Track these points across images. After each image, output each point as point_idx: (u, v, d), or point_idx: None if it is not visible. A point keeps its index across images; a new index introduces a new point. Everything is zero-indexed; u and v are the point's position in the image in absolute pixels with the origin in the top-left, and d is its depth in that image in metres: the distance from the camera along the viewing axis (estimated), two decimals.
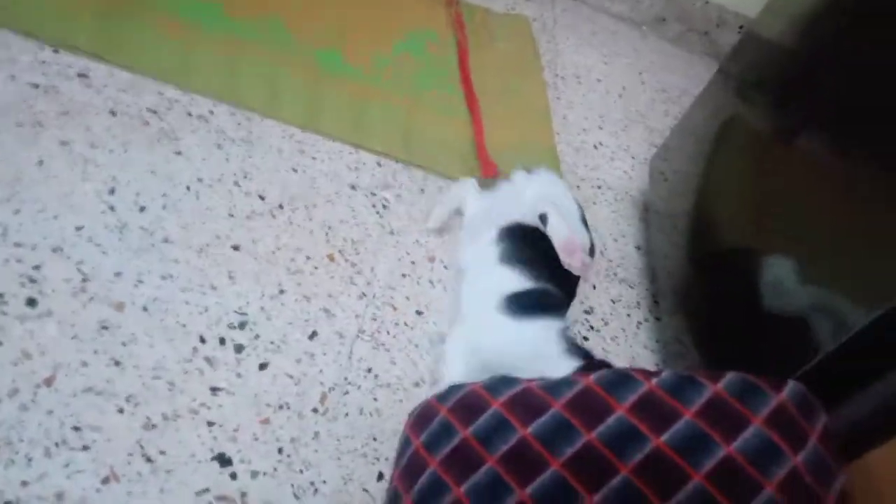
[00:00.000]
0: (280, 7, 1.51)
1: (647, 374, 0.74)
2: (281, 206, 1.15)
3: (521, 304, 1.02)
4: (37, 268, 0.93)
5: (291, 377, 0.95)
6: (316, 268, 1.09)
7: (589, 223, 1.19)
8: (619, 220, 1.45)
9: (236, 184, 1.15)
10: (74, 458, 0.79)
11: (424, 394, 1.00)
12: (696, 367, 1.09)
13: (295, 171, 1.22)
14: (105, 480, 0.79)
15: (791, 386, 0.73)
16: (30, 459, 0.77)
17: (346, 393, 0.97)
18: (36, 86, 1.13)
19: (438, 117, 1.44)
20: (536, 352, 0.97)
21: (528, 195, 1.17)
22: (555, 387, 0.74)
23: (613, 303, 1.28)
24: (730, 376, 0.73)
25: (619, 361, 1.17)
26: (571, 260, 1.06)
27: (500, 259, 1.08)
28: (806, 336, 0.86)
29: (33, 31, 1.21)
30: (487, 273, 1.08)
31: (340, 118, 1.34)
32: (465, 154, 1.39)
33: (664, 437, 0.68)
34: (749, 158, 1.16)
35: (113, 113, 1.15)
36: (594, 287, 1.28)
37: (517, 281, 1.05)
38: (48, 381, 0.83)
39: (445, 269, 1.20)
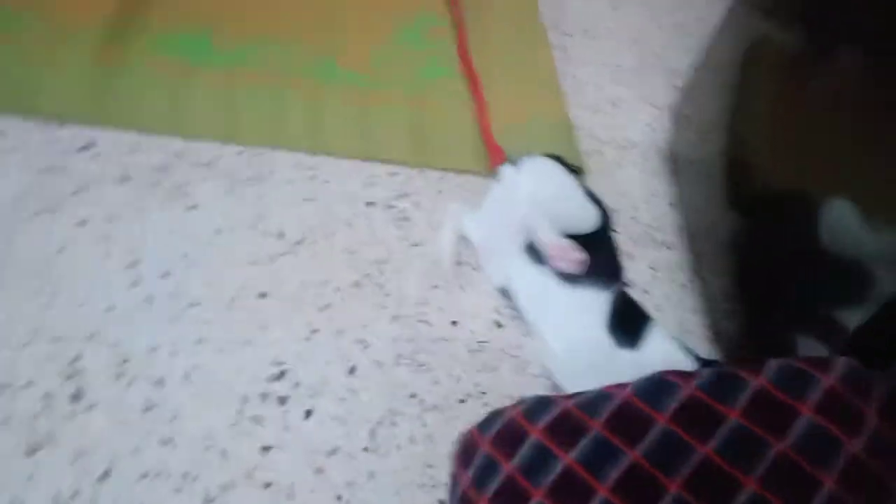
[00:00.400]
0: (268, 24, 1.48)
1: (686, 377, 0.70)
2: (301, 241, 1.15)
3: (629, 326, 1.02)
4: (76, 360, 0.95)
5: (337, 419, 0.96)
6: (344, 299, 1.09)
7: (620, 189, 1.14)
8: (650, 179, 1.39)
9: (253, 227, 1.15)
10: None
11: (471, 410, 0.99)
12: (747, 326, 1.04)
13: (310, 200, 1.21)
14: None
15: (840, 363, 0.68)
16: None
17: (394, 424, 0.97)
18: (46, 169, 1.15)
19: (446, 109, 1.39)
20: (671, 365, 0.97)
21: (519, 197, 1.13)
22: (592, 405, 0.71)
23: (653, 269, 1.23)
24: (773, 364, 0.68)
25: (670, 330, 1.13)
26: (566, 265, 1.03)
27: (567, 279, 1.06)
28: (864, 286, 0.80)
29: (35, 110, 1.22)
30: (557, 303, 1.06)
31: (346, 133, 1.31)
32: (478, 142, 1.35)
33: (711, 445, 0.65)
34: (783, 83, 1.07)
35: (123, 180, 1.17)
36: (630, 256, 1.23)
37: (600, 299, 1.03)
38: (105, 475, 0.86)
39: (474, 270, 1.17)
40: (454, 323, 1.10)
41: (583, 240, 1.08)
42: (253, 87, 1.34)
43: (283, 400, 0.96)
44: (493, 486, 0.72)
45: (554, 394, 0.79)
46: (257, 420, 0.94)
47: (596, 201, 1.15)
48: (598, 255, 1.07)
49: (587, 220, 1.11)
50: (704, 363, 0.98)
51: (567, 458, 0.69)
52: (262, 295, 1.07)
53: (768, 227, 1.03)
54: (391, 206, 1.22)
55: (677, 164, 1.38)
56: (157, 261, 1.08)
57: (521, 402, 0.79)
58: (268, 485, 0.89)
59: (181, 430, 0.92)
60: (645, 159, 1.42)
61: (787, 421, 0.63)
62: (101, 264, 1.06)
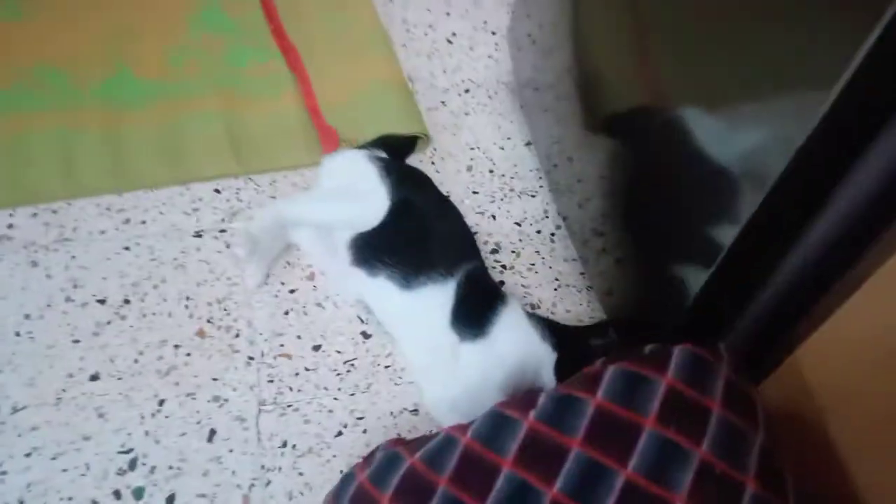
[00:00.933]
0: (43, 50, 1.27)
1: (524, 407, 0.63)
2: (127, 301, 1.02)
3: (473, 315, 0.92)
4: None
5: (205, 496, 0.87)
6: (188, 354, 0.98)
7: (471, 141, 1.14)
8: (500, 121, 1.28)
9: (69, 299, 1.01)
10: None
11: (350, 442, 0.92)
12: (622, 261, 0.97)
13: (127, 248, 1.07)
14: None
15: (677, 356, 0.62)
16: None
17: (269, 483, 0.89)
18: None
19: (262, 99, 1.24)
20: (525, 356, 0.89)
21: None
22: (437, 456, 0.64)
23: (519, 225, 1.14)
24: (609, 374, 0.62)
25: (544, 291, 1.07)
26: None
27: (403, 284, 0.95)
28: (732, 197, 0.73)
29: None
30: (403, 311, 0.96)
31: (154, 159, 1.15)
32: (307, 130, 1.21)
33: (632, 465, 0.58)
34: None
35: None
36: (493, 218, 1.15)
37: (442, 293, 0.93)
38: None
39: (325, 278, 1.07)
40: (317, 348, 1.01)
41: (379, 235, 0.98)
42: (38, 130, 1.16)
43: (138, 493, 0.87)
44: None
45: (401, 443, 0.71)
46: None
47: (407, 185, 1.03)
48: (414, 246, 0.97)
49: (372, 214, 0.99)
50: (562, 336, 0.91)
51: None
52: (94, 377, 0.95)
53: (629, 147, 0.95)
54: (222, 231, 1.10)
55: (525, 95, 1.28)
56: None
57: (369, 459, 0.72)
58: None
59: None
60: (492, 98, 1.31)
61: (630, 440, 0.57)
62: None
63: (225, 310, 1.02)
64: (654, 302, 0.92)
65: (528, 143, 1.25)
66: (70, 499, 0.86)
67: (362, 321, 1.03)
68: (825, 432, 0.63)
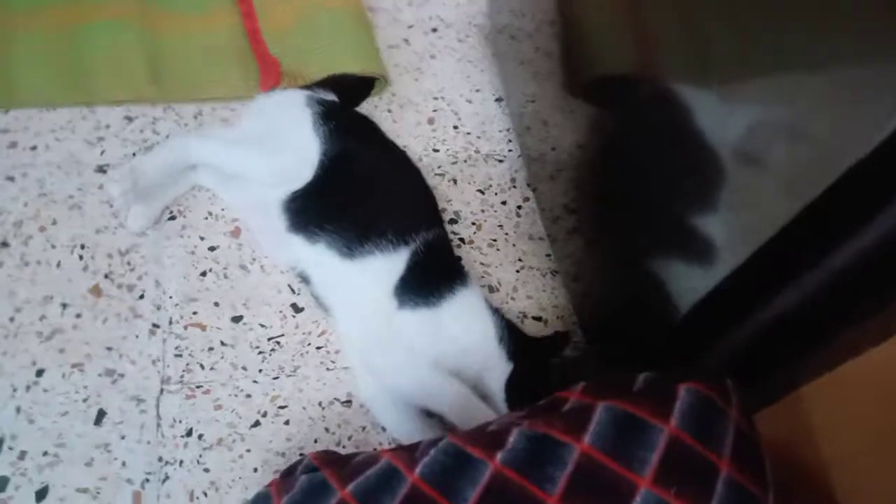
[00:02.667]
0: None
1: (576, 429, 0.49)
2: (5, 244, 0.84)
3: (423, 285, 0.80)
4: None
5: (86, 491, 0.73)
6: (78, 315, 0.81)
7: (435, 88, 1.01)
8: (470, 69, 1.13)
9: None
10: None
11: (268, 434, 0.78)
12: (593, 245, 0.86)
13: (11, 179, 0.88)
14: None
15: (682, 399, 0.50)
16: None
17: (167, 479, 0.75)
18: None
19: (190, 14, 1.04)
20: (474, 349, 0.78)
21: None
22: (452, 481, 0.50)
23: (482, 193, 1.01)
24: (600, 414, 0.50)
25: (505, 272, 0.94)
26: None
27: (345, 252, 0.80)
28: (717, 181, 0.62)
29: None
30: (345, 282, 0.82)
31: (52, 72, 0.95)
32: (244, 58, 1.02)
33: None
34: None
35: None
36: (454, 182, 1.01)
37: (391, 262, 0.80)
38: None
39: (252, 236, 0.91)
40: (236, 319, 0.85)
41: (318, 196, 0.83)
42: None
43: (1, 483, 0.72)
44: None
45: (329, 463, 0.58)
46: None
47: (350, 136, 0.88)
48: (358, 208, 0.83)
49: (296, 170, 0.85)
50: (523, 347, 0.79)
51: None
52: None
53: (614, 116, 0.82)
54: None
55: (500, 42, 1.12)
56: None
57: (287, 479, 0.58)
58: None
59: None
60: (462, 42, 1.15)
61: (621, 502, 0.46)
62: None
63: (128, 264, 0.86)
64: (632, 301, 0.80)
65: (498, 99, 1.10)
66: None
67: (294, 291, 0.88)
68: (830, 489, 0.54)
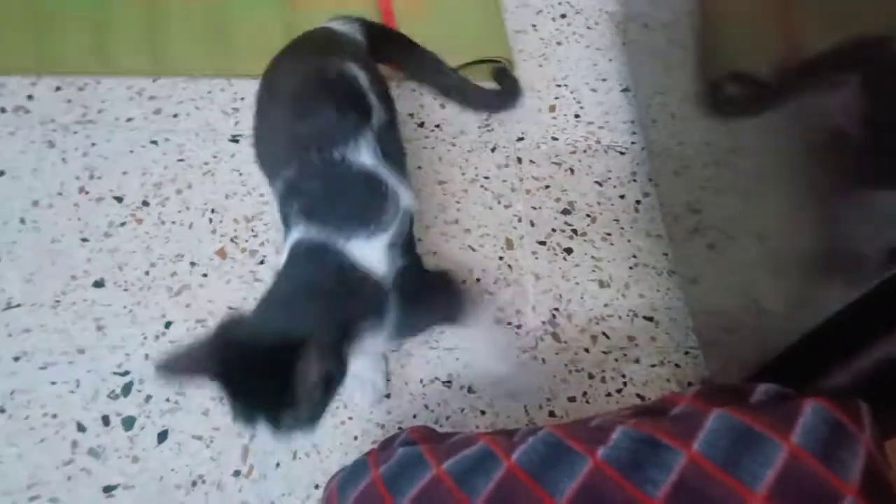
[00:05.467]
0: None
1: (684, 435, 0.47)
2: (145, 203, 0.90)
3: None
4: None
5: (200, 438, 0.77)
6: (205, 274, 0.87)
7: (559, 75, 0.99)
8: (597, 57, 1.09)
9: (83, 191, 0.90)
10: None
11: (368, 406, 0.80)
12: (720, 246, 0.81)
13: (155, 143, 0.95)
14: None
15: (806, 413, 0.46)
16: None
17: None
18: None
19: None
20: None
21: None
22: (548, 472, 0.49)
23: (600, 185, 0.98)
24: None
25: (618, 267, 0.91)
26: None
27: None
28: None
29: None
30: None
31: (198, 44, 1.01)
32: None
33: None
34: None
35: None
36: (570, 172, 0.98)
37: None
38: None
39: None
40: None
41: None
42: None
43: (129, 422, 0.77)
44: None
45: (427, 440, 0.59)
46: (97, 454, 0.76)
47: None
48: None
49: None
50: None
51: None
52: (98, 284, 0.85)
53: (750, 114, 0.77)
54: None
55: (631, 31, 1.08)
56: None
57: (386, 448, 0.60)
58: None
59: (1, 475, 0.74)
60: (591, 30, 1.12)
61: None
62: None
63: (252, 231, 0.90)
64: (755, 310, 0.75)
65: (625, 89, 1.06)
66: (54, 416, 0.77)
67: None
68: None
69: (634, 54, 1.06)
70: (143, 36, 1.00)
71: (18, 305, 0.82)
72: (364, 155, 0.70)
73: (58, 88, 0.96)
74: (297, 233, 0.66)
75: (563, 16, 1.13)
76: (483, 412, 0.80)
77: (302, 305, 0.60)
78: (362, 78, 0.76)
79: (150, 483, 0.75)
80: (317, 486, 0.76)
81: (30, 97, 0.95)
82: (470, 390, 0.82)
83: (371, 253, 0.65)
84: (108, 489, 0.74)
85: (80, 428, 0.77)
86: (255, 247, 0.89)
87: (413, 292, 0.67)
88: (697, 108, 0.86)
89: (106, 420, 0.77)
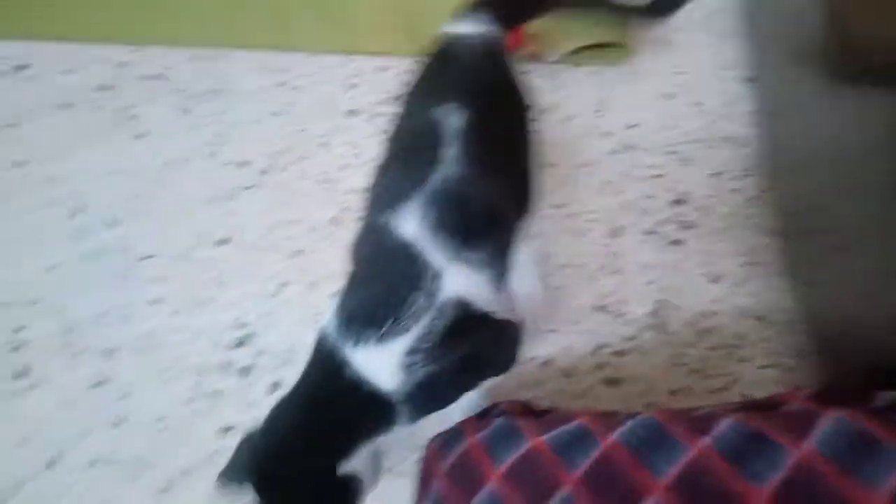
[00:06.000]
0: None
1: (796, 432, 0.45)
2: (267, 170, 0.96)
3: None
4: (19, 329, 0.85)
5: None
6: (318, 241, 0.91)
7: (680, 64, 0.96)
8: (721, 46, 1.05)
9: (212, 155, 0.96)
10: None
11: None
12: (845, 249, 0.77)
13: (278, 114, 1.00)
14: None
15: None
16: None
17: None
18: None
19: None
20: None
21: None
22: (649, 454, 0.49)
23: (715, 177, 0.95)
24: (823, 421, 0.45)
25: (729, 263, 0.88)
26: None
27: None
28: None
29: None
30: None
31: (324, 21, 1.05)
32: None
33: None
34: None
35: (62, 106, 0.99)
36: (685, 162, 0.96)
37: None
38: (53, 462, 0.78)
39: None
40: None
41: None
42: None
43: (245, 371, 0.83)
44: None
45: (524, 414, 0.60)
46: (216, 396, 0.82)
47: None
48: None
49: None
50: None
51: None
52: (222, 241, 0.91)
53: (888, 109, 0.73)
54: (377, 115, 0.99)
55: (760, 19, 1.04)
56: (103, 207, 0.92)
57: (484, 417, 0.61)
58: None
59: (132, 409, 0.81)
60: (716, 16, 1.08)
61: None
62: (43, 216, 0.92)
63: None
64: (875, 314, 0.72)
65: (749, 79, 1.02)
66: (179, 359, 0.84)
67: None
68: None
69: (761, 43, 1.02)
70: (273, 13, 1.05)
71: (152, 256, 0.90)
72: (408, 222, 0.57)
73: (191, 59, 1.03)
74: (325, 321, 0.59)
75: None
76: (580, 397, 0.81)
77: (303, 422, 0.56)
78: (451, 121, 0.61)
79: None
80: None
81: (168, 67, 1.02)
82: (567, 374, 0.82)
83: (378, 363, 0.54)
84: (224, 430, 0.80)
85: (202, 372, 0.83)
86: None
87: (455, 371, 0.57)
88: (828, 100, 0.81)
89: (225, 367, 0.83)
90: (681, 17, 1.07)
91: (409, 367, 0.54)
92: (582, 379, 0.82)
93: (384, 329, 0.54)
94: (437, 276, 0.56)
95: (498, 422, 0.59)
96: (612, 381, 0.81)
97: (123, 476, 0.78)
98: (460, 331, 0.56)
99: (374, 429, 0.57)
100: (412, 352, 0.54)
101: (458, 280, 0.56)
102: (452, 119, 0.61)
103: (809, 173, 0.86)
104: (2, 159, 0.95)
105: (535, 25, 1.01)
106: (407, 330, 0.54)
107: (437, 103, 0.62)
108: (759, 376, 0.81)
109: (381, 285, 0.57)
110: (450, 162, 0.59)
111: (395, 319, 0.54)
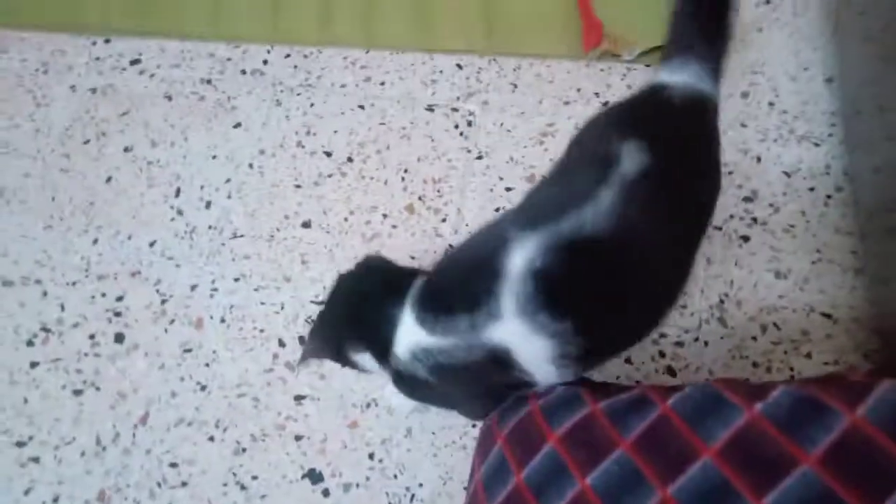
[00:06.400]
0: None
1: (849, 399, 0.46)
2: (350, 159, 1.02)
3: None
4: (120, 298, 0.94)
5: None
6: (395, 226, 0.96)
7: (756, 62, 0.95)
8: (801, 46, 1.04)
9: (300, 145, 1.03)
10: (175, 496, 0.82)
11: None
12: None
13: (362, 107, 1.06)
14: None
15: None
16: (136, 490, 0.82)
17: None
18: (94, 90, 1.11)
19: None
20: None
21: None
22: (703, 420, 0.51)
23: (788, 176, 0.94)
24: (883, 387, 0.46)
25: (798, 261, 0.88)
26: None
27: None
28: None
29: (82, 24, 1.16)
30: None
31: (405, 21, 1.11)
32: (568, 17, 1.08)
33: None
34: None
35: (169, 97, 1.09)
36: (757, 160, 0.96)
37: None
38: (143, 419, 0.86)
39: None
40: None
41: None
42: None
43: None
44: (501, 496, 0.60)
45: (587, 385, 0.62)
46: (292, 367, 0.88)
47: None
48: None
49: None
50: None
51: (583, 482, 0.54)
52: (306, 224, 0.97)
53: None
54: (454, 110, 1.04)
55: (845, 18, 1.02)
56: (199, 189, 1.01)
57: (544, 392, 0.64)
58: (299, 437, 0.84)
59: (216, 375, 0.88)
60: (797, 16, 1.07)
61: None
62: (145, 196, 1.01)
63: (438, 191, 0.98)
64: None
65: (829, 79, 1.01)
66: (261, 331, 0.90)
67: None
68: None
69: (845, 43, 1.00)
70: (361, 13, 1.12)
71: (242, 235, 0.97)
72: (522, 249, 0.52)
73: (287, 56, 1.11)
74: None
75: (768, 1, 1.09)
76: (638, 381, 0.82)
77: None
78: (626, 159, 0.54)
79: (332, 398, 0.86)
80: (474, 425, 0.83)
81: (265, 62, 1.11)
82: (628, 360, 0.84)
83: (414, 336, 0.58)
84: (298, 398, 0.86)
85: (281, 343, 0.89)
86: (440, 206, 0.97)
87: None
88: None
89: (301, 340, 0.89)
90: (761, 17, 1.07)
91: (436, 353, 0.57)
92: (642, 367, 0.83)
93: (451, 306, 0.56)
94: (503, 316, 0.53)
95: (560, 389, 0.61)
96: (673, 370, 0.82)
97: (204, 436, 0.85)
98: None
99: None
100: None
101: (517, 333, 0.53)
102: (628, 158, 0.54)
103: (890, 174, 0.84)
104: (114, 144, 1.06)
105: (612, 23, 1.04)
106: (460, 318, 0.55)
107: (619, 136, 0.56)
108: (822, 372, 0.80)
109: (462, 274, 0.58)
110: (603, 201, 0.52)
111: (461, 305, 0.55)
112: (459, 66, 1.08)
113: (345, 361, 0.65)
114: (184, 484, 0.83)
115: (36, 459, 0.86)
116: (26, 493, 0.84)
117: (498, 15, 1.10)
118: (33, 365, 0.91)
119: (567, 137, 0.65)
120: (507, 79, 1.06)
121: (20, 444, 0.87)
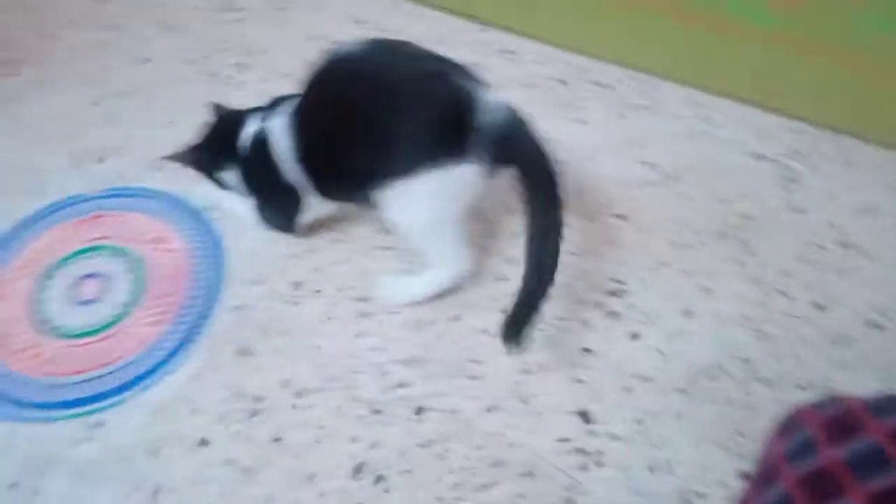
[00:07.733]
0: None
1: None
2: (672, 176, 1.13)
3: None
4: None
5: (661, 352, 0.95)
6: (702, 243, 1.05)
7: None
8: None
9: (630, 152, 1.17)
10: (467, 385, 0.93)
11: (808, 400, 0.89)
12: None
13: (692, 139, 1.17)
14: (489, 409, 0.92)
15: None
16: (435, 378, 0.94)
17: (715, 379, 0.92)
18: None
19: (880, 68, 1.18)
20: None
21: None
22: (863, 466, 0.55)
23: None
24: None
25: None
26: None
27: None
28: None
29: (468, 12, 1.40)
30: None
31: (751, 77, 1.22)
32: None
33: None
34: None
35: (526, 86, 1.27)
36: None
37: None
38: (457, 318, 0.99)
39: (861, 256, 1.02)
40: (819, 306, 0.98)
41: None
42: (661, 16, 1.30)
43: (614, 315, 0.99)
44: (806, 466, 0.65)
45: None
46: (585, 323, 0.98)
47: None
48: None
49: None
50: None
51: None
52: (620, 216, 1.09)
53: None
54: (781, 164, 1.12)
55: None
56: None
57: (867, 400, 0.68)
58: (579, 381, 0.93)
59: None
60: None
61: None
62: None
63: (749, 228, 1.06)
64: None
65: None
66: (567, 286, 1.01)
67: (878, 312, 0.96)
68: None
69: None
70: (711, 60, 1.25)
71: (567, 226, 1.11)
72: None
73: (634, 79, 1.26)
74: None
75: None
76: None
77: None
78: None
79: (613, 361, 0.94)
80: (741, 434, 0.87)
81: (617, 80, 1.27)
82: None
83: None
84: (585, 350, 0.95)
85: (579, 301, 1.00)
86: (749, 240, 1.04)
87: None
88: None
89: (598, 305, 0.99)
90: None
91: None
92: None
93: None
94: None
95: (880, 395, 0.66)
96: None
97: (495, 351, 0.96)
98: None
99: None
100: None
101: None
102: None
103: None
104: None
105: None
106: None
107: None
108: None
109: None
110: None
111: None
112: (793, 131, 1.17)
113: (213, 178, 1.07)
114: (474, 378, 0.94)
115: None
116: None
117: (845, 92, 1.15)
118: None
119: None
120: (842, 155, 1.15)
121: None
